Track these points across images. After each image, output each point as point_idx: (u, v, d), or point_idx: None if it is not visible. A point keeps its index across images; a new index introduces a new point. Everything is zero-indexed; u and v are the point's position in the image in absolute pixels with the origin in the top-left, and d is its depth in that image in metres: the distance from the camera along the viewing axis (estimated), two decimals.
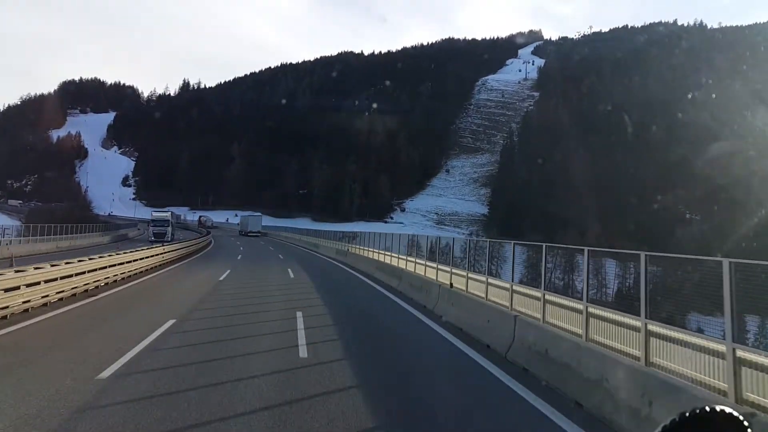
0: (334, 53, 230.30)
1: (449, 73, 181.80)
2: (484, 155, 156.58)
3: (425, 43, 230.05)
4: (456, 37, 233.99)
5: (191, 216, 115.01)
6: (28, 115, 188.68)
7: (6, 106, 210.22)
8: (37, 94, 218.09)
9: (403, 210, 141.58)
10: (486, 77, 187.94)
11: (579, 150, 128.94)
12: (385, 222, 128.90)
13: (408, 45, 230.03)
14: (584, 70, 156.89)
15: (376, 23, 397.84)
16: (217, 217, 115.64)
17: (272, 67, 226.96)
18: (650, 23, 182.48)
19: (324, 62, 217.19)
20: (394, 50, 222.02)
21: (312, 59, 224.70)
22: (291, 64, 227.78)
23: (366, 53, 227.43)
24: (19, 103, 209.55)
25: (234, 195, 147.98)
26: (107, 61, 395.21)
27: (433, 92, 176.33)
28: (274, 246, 50.07)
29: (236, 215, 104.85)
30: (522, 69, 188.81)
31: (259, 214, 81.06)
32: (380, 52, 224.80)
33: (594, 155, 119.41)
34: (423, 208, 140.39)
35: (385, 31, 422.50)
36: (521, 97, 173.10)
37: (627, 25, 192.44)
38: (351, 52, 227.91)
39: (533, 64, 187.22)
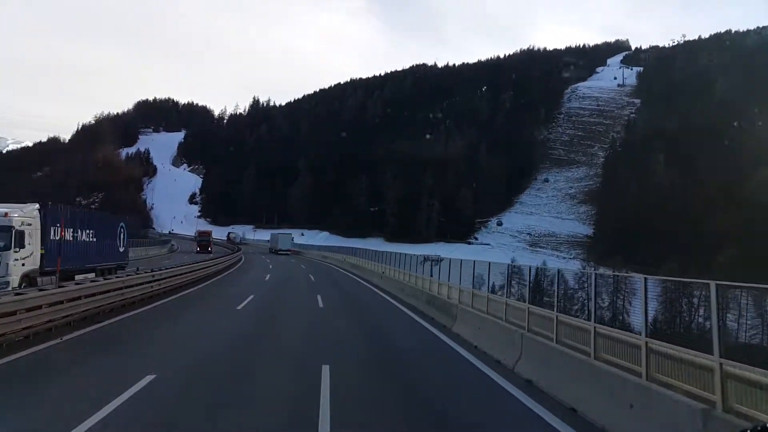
0: (406, 67, 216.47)
1: (533, 80, 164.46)
2: (580, 168, 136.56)
3: (501, 56, 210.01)
4: (536, 47, 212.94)
5: (253, 234, 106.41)
6: (102, 134, 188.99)
7: (80, 125, 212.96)
8: (112, 113, 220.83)
9: (500, 224, 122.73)
10: (576, 84, 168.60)
11: (700, 160, 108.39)
12: (469, 243, 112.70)
13: (483, 58, 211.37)
14: (692, 75, 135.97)
15: (442, 45, 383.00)
16: None
17: (342, 82, 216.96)
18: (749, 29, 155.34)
19: (395, 76, 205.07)
20: (470, 62, 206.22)
21: (382, 74, 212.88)
22: (361, 79, 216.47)
23: (440, 65, 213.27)
24: (93, 122, 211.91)
25: (300, 213, 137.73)
26: (182, 82, 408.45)
27: (515, 102, 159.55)
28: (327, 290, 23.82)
29: (302, 234, 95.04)
30: (618, 76, 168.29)
31: (290, 232, 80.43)
32: (454, 65, 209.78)
33: (724, 165, 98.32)
34: (512, 227, 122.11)
35: (452, 53, 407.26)
36: (619, 104, 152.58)
37: (730, 30, 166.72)
38: (424, 65, 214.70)
39: (632, 70, 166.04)
